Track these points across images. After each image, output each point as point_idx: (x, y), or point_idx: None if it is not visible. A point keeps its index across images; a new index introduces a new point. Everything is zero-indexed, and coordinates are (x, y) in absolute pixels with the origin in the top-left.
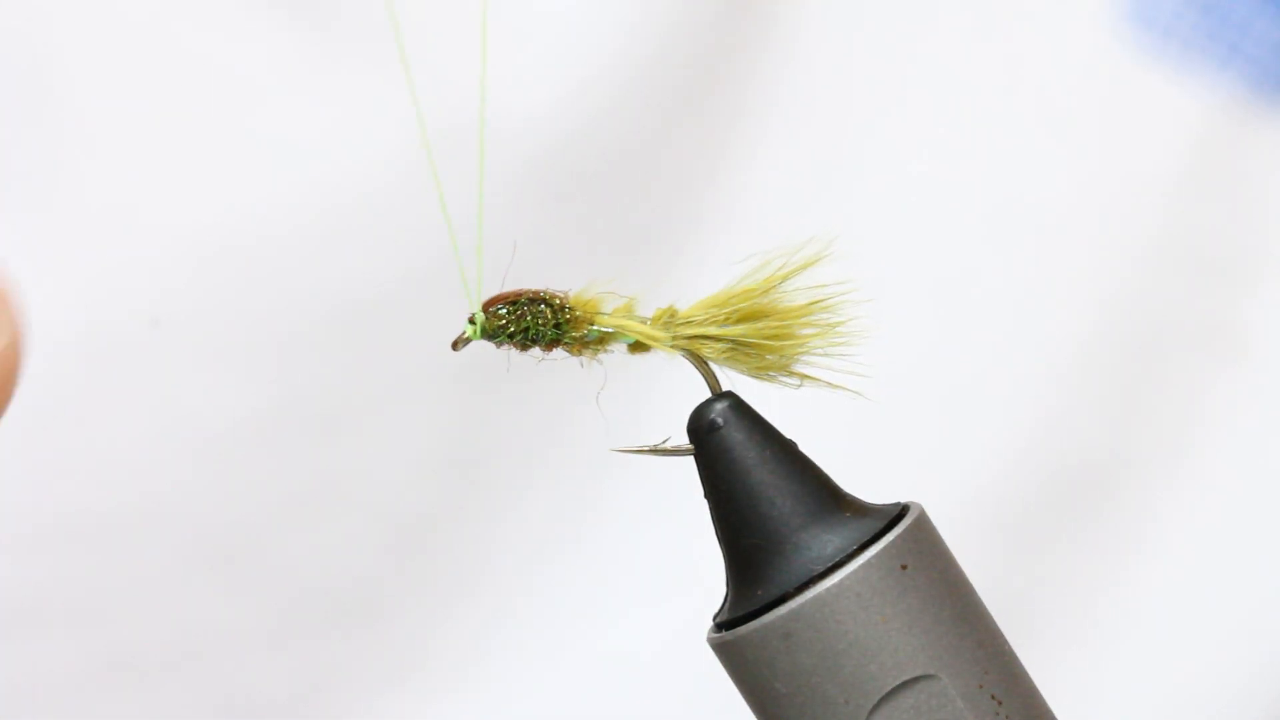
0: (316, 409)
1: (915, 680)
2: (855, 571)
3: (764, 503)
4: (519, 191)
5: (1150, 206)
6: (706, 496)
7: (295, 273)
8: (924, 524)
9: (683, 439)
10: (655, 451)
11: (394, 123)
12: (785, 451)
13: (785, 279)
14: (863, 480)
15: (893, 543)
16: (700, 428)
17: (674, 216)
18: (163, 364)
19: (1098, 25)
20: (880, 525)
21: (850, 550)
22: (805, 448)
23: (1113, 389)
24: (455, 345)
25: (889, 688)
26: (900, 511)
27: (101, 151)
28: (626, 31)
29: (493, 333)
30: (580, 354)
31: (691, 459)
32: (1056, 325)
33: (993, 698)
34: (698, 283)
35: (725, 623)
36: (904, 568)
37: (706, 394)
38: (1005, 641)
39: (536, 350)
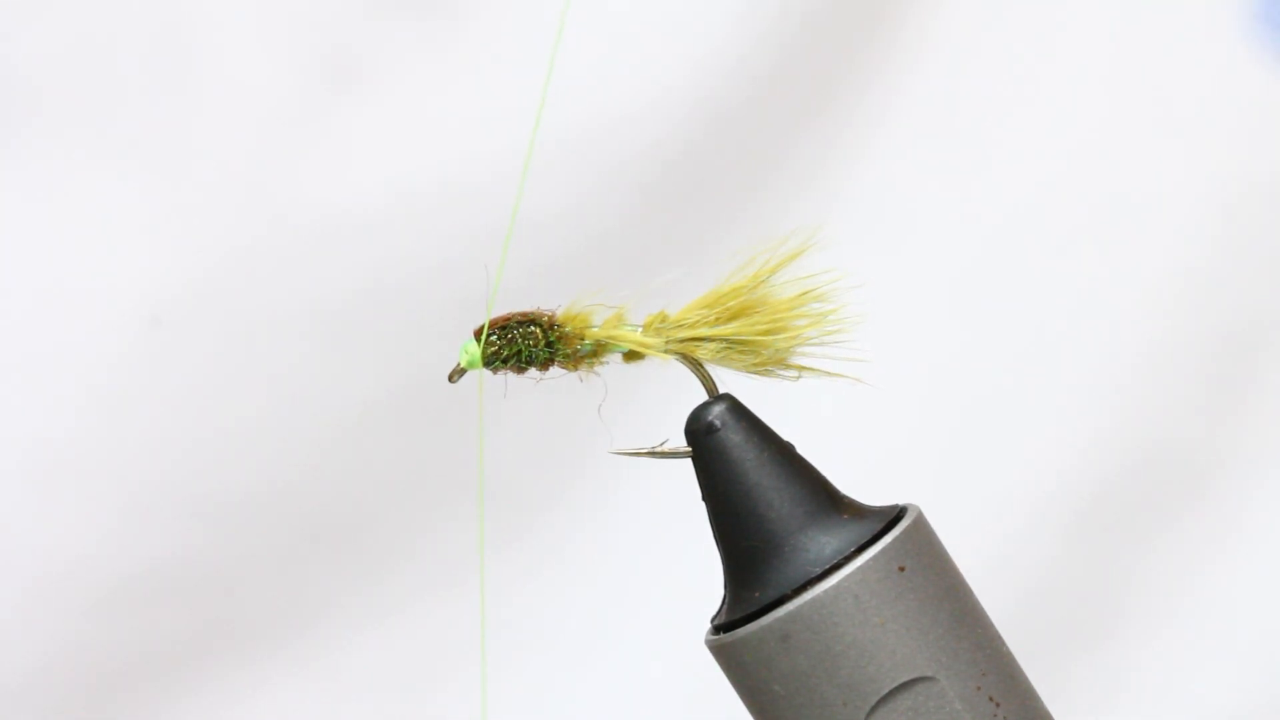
0: (434, 394)
1: (913, 682)
2: (853, 573)
3: (761, 505)
4: (610, 190)
5: (1251, 201)
6: (704, 499)
7: (418, 256)
8: (922, 526)
9: (680, 441)
10: (653, 454)
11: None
12: (783, 453)
13: (773, 273)
14: (954, 476)
15: (890, 545)
16: (697, 430)
17: (768, 220)
18: (287, 346)
19: (1224, 30)
20: (878, 527)
21: (848, 552)
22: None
23: (1203, 381)
24: (451, 377)
25: (887, 689)
26: (898, 513)
27: (227, 125)
28: (732, 29)
29: (487, 360)
30: (576, 369)
31: (689, 461)
32: (1151, 318)
33: (990, 699)
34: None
35: (723, 625)
36: (902, 569)
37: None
38: (1003, 643)
39: (534, 371)
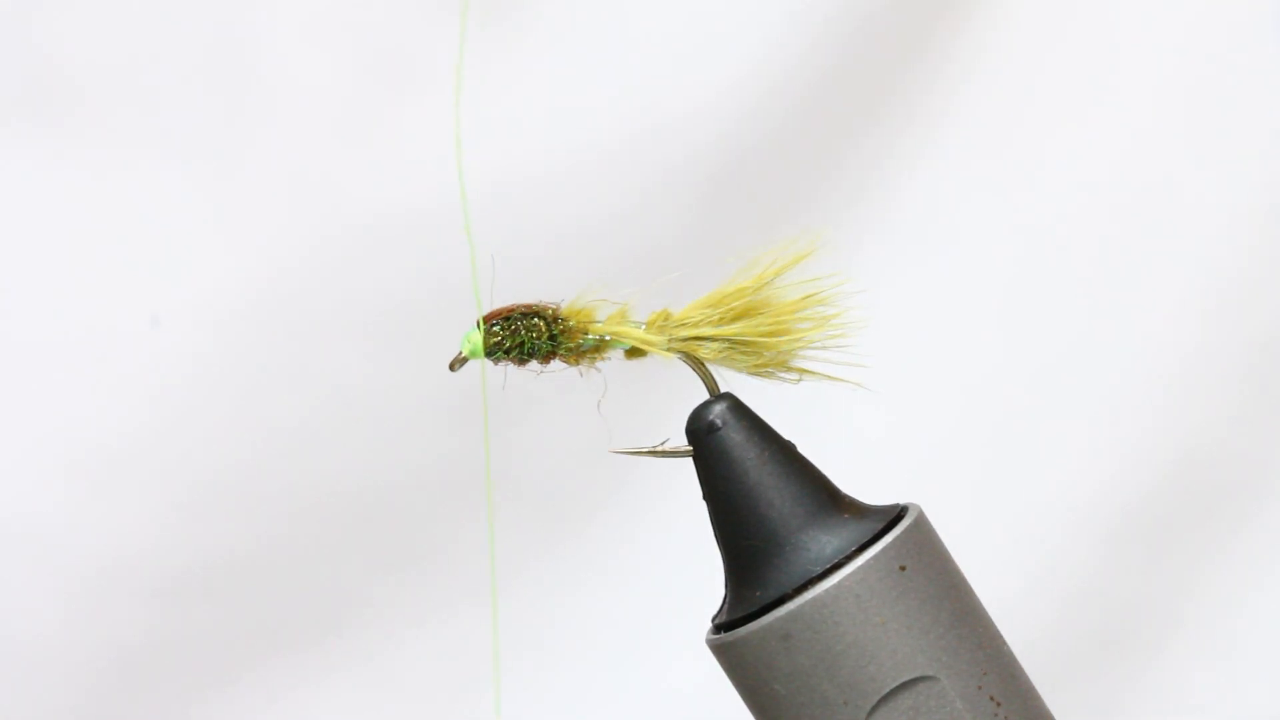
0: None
1: (914, 681)
2: (854, 573)
3: (762, 504)
4: (660, 197)
5: None
6: (705, 498)
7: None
8: (922, 525)
9: (681, 440)
10: (654, 453)
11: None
12: (784, 453)
13: (777, 274)
14: (994, 486)
15: (891, 544)
16: (699, 429)
17: (830, 220)
18: (341, 347)
19: (1265, 39)
20: (879, 526)
21: (849, 551)
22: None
23: (1244, 388)
24: (453, 366)
25: (888, 689)
26: (899, 513)
27: (284, 126)
28: (783, 38)
29: (489, 350)
30: (578, 364)
31: (690, 460)
32: (1191, 325)
33: (991, 699)
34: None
35: (724, 624)
36: (903, 569)
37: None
38: (1004, 642)
39: (535, 364)
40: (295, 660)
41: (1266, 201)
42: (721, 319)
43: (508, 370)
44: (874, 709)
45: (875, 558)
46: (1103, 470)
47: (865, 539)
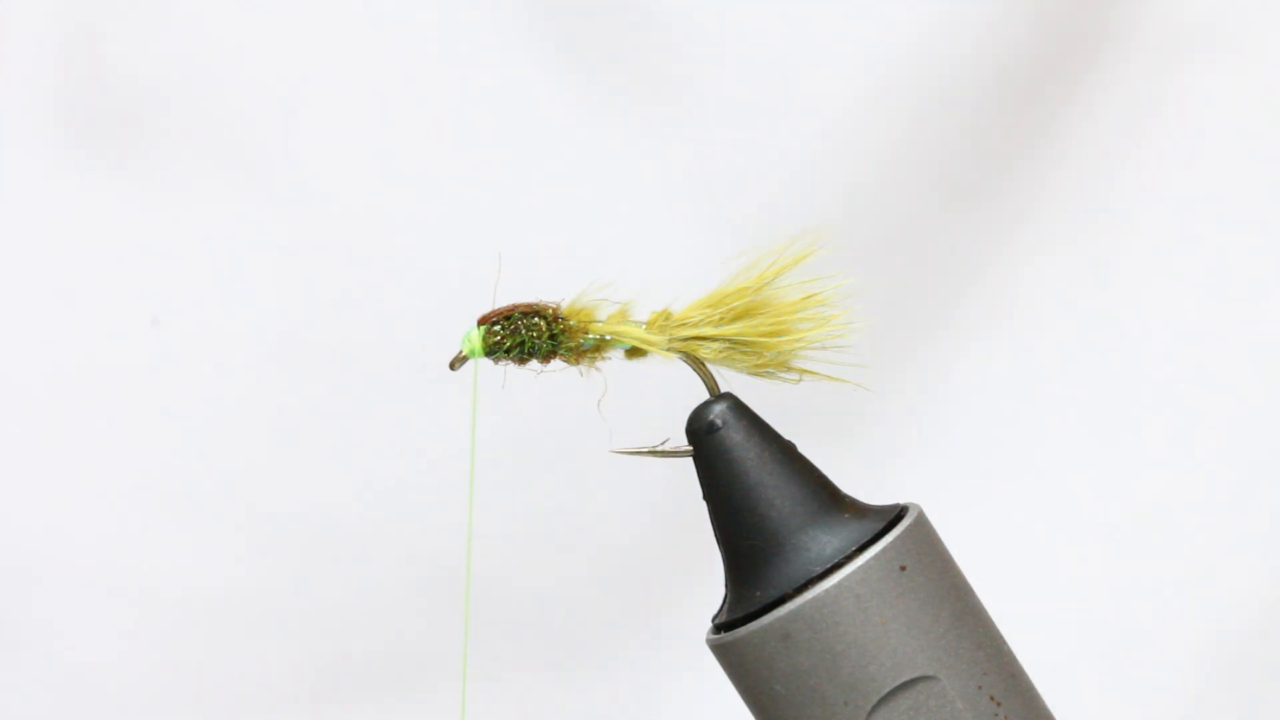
0: (555, 443)
1: (914, 681)
2: (854, 573)
3: (763, 504)
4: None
5: None
6: (705, 498)
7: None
8: (923, 525)
9: (681, 440)
10: (654, 453)
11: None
12: (784, 453)
13: (778, 275)
14: (1101, 616)
15: (891, 544)
16: (699, 429)
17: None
18: (415, 394)
19: None
20: (879, 526)
21: (849, 551)
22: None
23: None
24: (453, 365)
25: (888, 689)
26: (899, 513)
27: (343, 163)
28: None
29: (489, 349)
30: (578, 363)
31: (690, 460)
32: None
33: (992, 699)
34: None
35: (724, 624)
36: (903, 569)
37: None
38: (1004, 642)
39: (535, 363)
40: (350, 705)
41: None
42: (722, 319)
43: (506, 369)
44: (874, 709)
45: (875, 558)
46: (1214, 603)
47: (865, 539)
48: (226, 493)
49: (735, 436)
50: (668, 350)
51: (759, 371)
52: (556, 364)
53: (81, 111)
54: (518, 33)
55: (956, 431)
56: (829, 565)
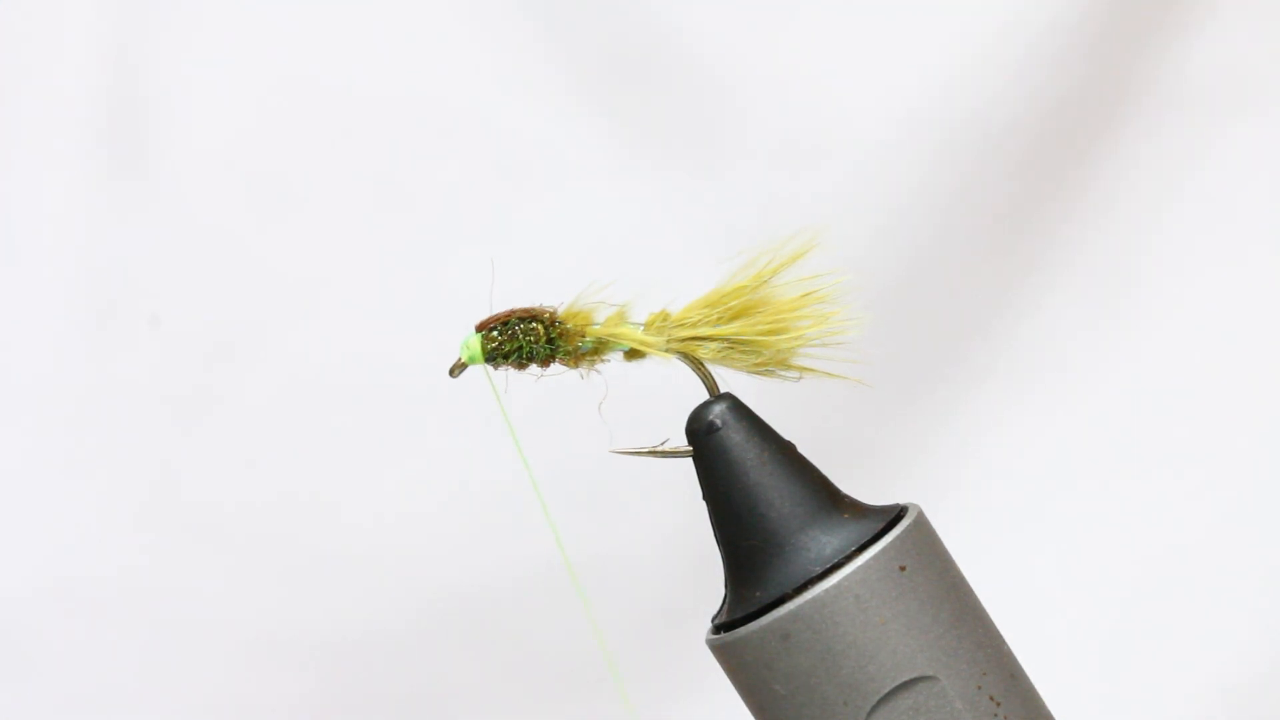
0: (583, 482)
1: (914, 681)
2: (854, 573)
3: (762, 504)
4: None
5: None
6: (705, 498)
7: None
8: (922, 525)
9: (681, 440)
10: (654, 453)
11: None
12: (784, 453)
13: (775, 273)
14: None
15: (891, 544)
16: (698, 429)
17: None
18: (457, 432)
19: None
20: (879, 526)
21: (849, 551)
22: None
23: None
24: (452, 372)
25: (887, 689)
26: (899, 513)
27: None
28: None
29: (488, 355)
30: (577, 366)
31: (690, 460)
32: None
33: (991, 699)
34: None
35: (724, 624)
36: (903, 569)
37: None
38: (1004, 643)
39: (534, 368)
40: None
41: None
42: (720, 318)
43: (509, 375)
44: (874, 709)
45: (875, 558)
46: (1220, 654)
47: (865, 539)
48: (246, 522)
49: (735, 437)
50: (666, 351)
51: (758, 370)
52: (556, 368)
53: (120, 130)
54: (525, 45)
55: (965, 475)
56: (829, 565)
